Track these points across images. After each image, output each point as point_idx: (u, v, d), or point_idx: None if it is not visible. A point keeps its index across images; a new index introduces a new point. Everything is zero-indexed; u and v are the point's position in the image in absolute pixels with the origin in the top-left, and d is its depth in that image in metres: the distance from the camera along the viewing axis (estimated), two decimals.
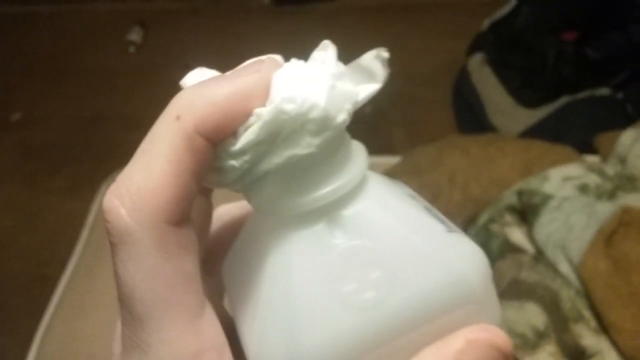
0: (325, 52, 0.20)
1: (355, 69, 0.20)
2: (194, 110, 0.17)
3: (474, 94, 1.47)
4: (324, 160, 0.19)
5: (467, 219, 0.88)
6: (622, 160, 0.87)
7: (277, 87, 0.18)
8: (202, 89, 0.18)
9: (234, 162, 0.18)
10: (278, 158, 0.19)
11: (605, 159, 0.92)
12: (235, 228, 0.23)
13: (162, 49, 1.98)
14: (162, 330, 0.17)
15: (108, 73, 1.92)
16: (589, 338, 0.65)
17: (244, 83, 0.18)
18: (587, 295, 0.69)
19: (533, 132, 1.34)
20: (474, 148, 0.96)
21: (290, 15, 2.03)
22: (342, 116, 0.19)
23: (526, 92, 1.40)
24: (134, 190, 0.17)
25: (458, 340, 0.19)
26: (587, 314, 0.68)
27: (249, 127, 0.18)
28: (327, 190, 0.19)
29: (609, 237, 0.72)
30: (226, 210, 0.24)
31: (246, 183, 0.19)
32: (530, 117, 1.38)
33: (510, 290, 0.70)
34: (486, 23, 1.53)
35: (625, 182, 0.83)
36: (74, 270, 0.95)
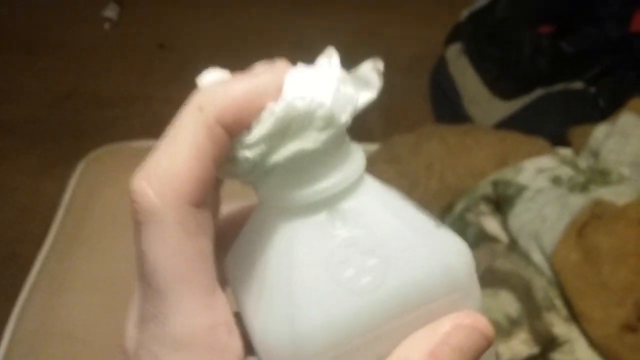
0: (330, 59, 0.21)
1: (353, 77, 0.22)
2: (215, 103, 0.19)
3: (450, 83, 1.49)
4: (326, 156, 0.21)
5: (444, 207, 0.90)
6: (595, 154, 0.89)
7: (289, 86, 0.20)
8: (222, 85, 0.20)
9: (247, 153, 0.20)
10: (287, 151, 0.20)
11: (578, 152, 0.95)
12: (234, 224, 0.25)
13: (137, 27, 1.95)
14: (181, 302, 0.19)
15: (82, 49, 1.89)
16: (560, 326, 0.67)
17: (259, 81, 0.20)
18: (559, 284, 0.71)
19: (508, 123, 1.36)
20: (451, 138, 0.97)
21: None
22: (345, 116, 0.20)
23: (502, 83, 1.42)
24: (160, 173, 0.19)
25: (445, 324, 0.21)
26: (558, 303, 0.70)
27: (262, 122, 0.20)
28: (329, 183, 0.21)
29: (581, 228, 0.74)
30: (227, 208, 0.25)
31: (256, 174, 0.21)
32: (505, 108, 1.41)
33: (484, 278, 0.72)
34: (465, 13, 1.54)
35: (598, 176, 0.85)
36: (50, 250, 0.94)
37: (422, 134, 1.01)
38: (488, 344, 0.21)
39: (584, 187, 0.84)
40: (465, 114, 1.44)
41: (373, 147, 1.04)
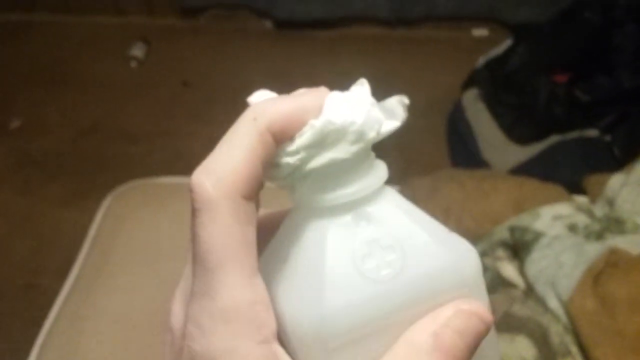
0: (362, 87, 0.25)
1: (381, 106, 0.26)
2: (266, 114, 0.23)
3: (467, 128, 1.52)
4: (355, 167, 0.25)
5: None
6: (610, 203, 0.91)
7: (328, 106, 0.24)
8: (272, 101, 0.24)
9: (289, 159, 0.24)
10: (322, 159, 0.24)
11: (593, 200, 0.97)
12: (266, 226, 0.28)
13: (163, 66, 2.00)
14: (228, 279, 0.22)
15: (108, 85, 1.95)
16: None
17: (303, 100, 0.24)
18: (574, 331, 0.73)
19: (523, 169, 1.38)
20: (469, 182, 1.00)
21: (289, 40, 2.07)
22: (373, 133, 0.24)
23: (518, 129, 1.45)
24: (218, 169, 0.22)
25: (448, 309, 0.24)
26: (574, 349, 0.71)
27: (304, 134, 0.24)
28: (355, 189, 0.25)
29: (597, 276, 0.76)
30: (261, 212, 0.29)
31: (294, 178, 0.25)
32: (521, 153, 1.43)
33: (502, 323, 0.73)
34: (481, 60, 1.58)
35: (613, 224, 0.87)
36: (74, 283, 0.97)
37: (439, 177, 1.04)
38: (487, 328, 0.24)
39: (599, 236, 0.85)
40: (482, 158, 1.47)
41: (391, 187, 1.06)
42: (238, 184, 0.22)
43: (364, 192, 0.25)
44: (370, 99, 0.25)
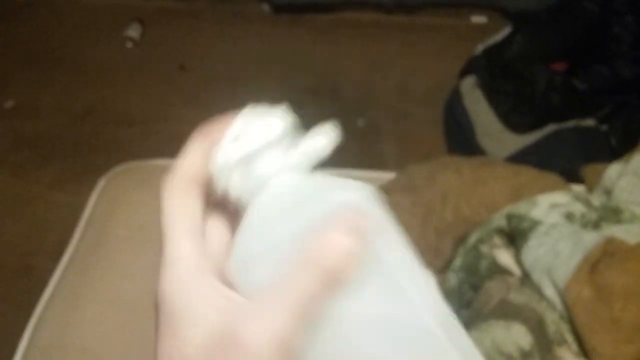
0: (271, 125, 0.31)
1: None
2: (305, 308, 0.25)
3: (464, 115, 1.52)
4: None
5: (458, 238, 0.91)
6: (608, 193, 0.91)
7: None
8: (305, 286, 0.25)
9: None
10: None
11: (590, 189, 0.97)
12: None
13: (159, 48, 1.99)
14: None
15: (103, 67, 1.93)
16: None
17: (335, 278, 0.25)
18: (570, 320, 0.73)
19: (519, 157, 1.38)
20: (466, 169, 0.99)
21: (287, 24, 2.06)
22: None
23: (515, 117, 1.45)
24: None
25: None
26: (569, 337, 0.71)
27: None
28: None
29: (593, 265, 0.76)
30: None
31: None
32: (517, 142, 1.43)
33: (498, 310, 0.73)
34: (480, 48, 1.57)
35: (610, 214, 0.87)
36: (68, 264, 0.96)
37: (437, 164, 1.03)
38: None
39: (596, 225, 0.85)
40: (478, 146, 1.46)
41: (387, 175, 1.05)
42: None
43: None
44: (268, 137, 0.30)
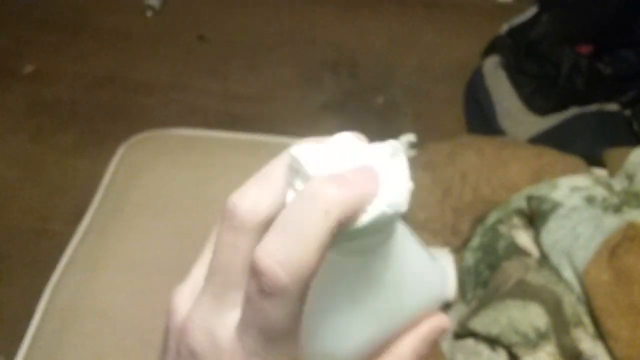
0: (400, 160, 0.26)
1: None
2: (337, 209, 0.24)
3: (486, 95, 1.50)
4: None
5: (476, 218, 0.91)
6: (630, 178, 0.90)
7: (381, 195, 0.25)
8: (339, 189, 0.24)
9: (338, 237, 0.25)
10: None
11: (612, 173, 0.96)
12: None
13: (179, 17, 1.98)
14: (285, 346, 0.25)
15: (123, 35, 1.93)
16: (586, 343, 0.68)
17: (366, 190, 0.25)
18: (588, 302, 0.72)
19: (540, 139, 1.37)
20: (487, 149, 0.98)
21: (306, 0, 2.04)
22: (404, 208, 0.26)
23: (537, 99, 1.43)
24: (290, 260, 0.24)
25: (426, 325, 0.30)
26: (586, 320, 0.71)
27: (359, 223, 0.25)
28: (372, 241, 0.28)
29: (613, 249, 0.75)
30: None
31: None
32: (539, 124, 1.41)
33: (516, 290, 0.73)
34: (505, 27, 1.55)
35: (632, 198, 0.86)
36: (87, 229, 0.97)
37: (458, 143, 1.02)
38: (445, 333, 0.31)
39: (617, 209, 0.84)
40: (498, 127, 1.45)
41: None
42: (310, 277, 0.24)
43: (376, 245, 0.27)
44: (407, 172, 0.26)
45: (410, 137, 0.27)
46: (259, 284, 0.24)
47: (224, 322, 0.26)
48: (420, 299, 0.29)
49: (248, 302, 0.25)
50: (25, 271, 1.38)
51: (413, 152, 0.27)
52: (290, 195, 0.26)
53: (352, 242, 0.26)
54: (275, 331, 0.25)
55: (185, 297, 0.28)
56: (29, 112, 1.72)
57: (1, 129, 1.68)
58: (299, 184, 0.26)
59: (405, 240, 0.29)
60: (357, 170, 0.25)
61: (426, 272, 0.30)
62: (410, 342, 0.30)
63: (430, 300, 0.30)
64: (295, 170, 0.26)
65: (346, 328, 0.27)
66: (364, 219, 0.25)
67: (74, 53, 1.87)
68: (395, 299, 0.28)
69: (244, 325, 0.25)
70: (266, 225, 0.26)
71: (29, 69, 1.82)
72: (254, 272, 0.24)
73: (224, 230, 0.26)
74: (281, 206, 0.26)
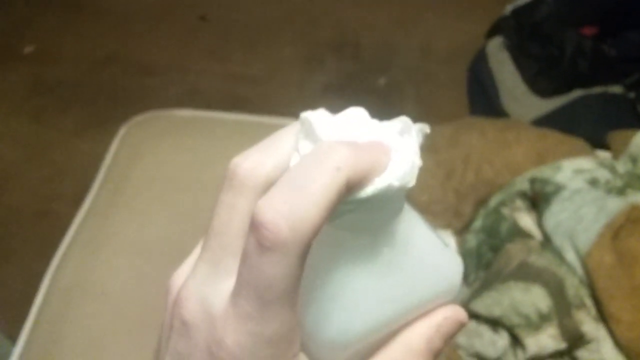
0: (410, 136, 0.25)
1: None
2: (349, 168, 0.23)
3: (489, 77, 1.49)
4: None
5: (479, 200, 0.91)
6: (634, 160, 0.89)
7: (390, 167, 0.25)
8: (353, 152, 0.24)
9: (341, 206, 0.24)
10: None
11: (616, 156, 0.95)
12: None
13: None
14: (281, 313, 0.24)
15: (124, 15, 1.91)
16: (588, 325, 0.68)
17: (378, 159, 0.24)
18: (590, 285, 0.72)
19: (544, 121, 1.36)
20: (491, 131, 0.98)
21: None
22: (412, 182, 0.25)
23: (541, 81, 1.42)
24: (296, 214, 0.23)
25: (439, 315, 0.28)
26: (588, 302, 0.71)
27: (365, 191, 0.24)
28: (382, 220, 0.27)
29: (616, 231, 0.75)
30: None
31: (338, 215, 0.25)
32: (542, 106, 1.40)
33: (518, 271, 0.73)
34: (509, 8, 1.53)
35: (635, 181, 0.85)
36: (88, 210, 0.97)
37: (461, 125, 1.02)
38: (463, 327, 0.29)
39: (621, 191, 0.84)
40: (501, 109, 1.44)
41: None
42: (311, 233, 0.23)
43: (386, 222, 0.26)
44: (417, 150, 0.25)
45: (424, 128, 0.25)
46: (258, 238, 0.23)
47: (218, 289, 0.25)
48: (432, 287, 0.28)
49: (245, 261, 0.23)
50: (27, 252, 1.38)
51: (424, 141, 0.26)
52: (295, 159, 0.25)
53: (359, 216, 0.25)
54: (272, 292, 0.23)
55: (182, 276, 0.27)
56: (30, 94, 1.71)
57: (2, 109, 1.67)
58: (306, 147, 0.25)
59: (416, 224, 0.28)
60: (370, 143, 0.25)
61: (440, 260, 0.29)
62: (422, 330, 0.28)
63: (444, 290, 0.28)
64: (305, 133, 0.25)
65: (350, 312, 0.26)
66: (371, 188, 0.24)
67: (74, 33, 1.85)
68: (405, 284, 0.27)
69: (239, 286, 0.24)
70: (267, 187, 0.24)
71: (29, 49, 1.81)
72: (254, 226, 0.23)
73: (223, 190, 0.25)
74: (284, 170, 0.25)
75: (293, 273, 0.23)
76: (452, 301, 0.29)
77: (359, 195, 0.24)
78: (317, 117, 0.25)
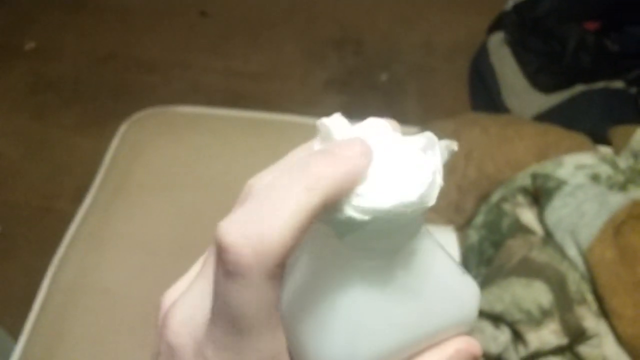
0: (434, 153, 0.23)
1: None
2: (321, 187, 0.21)
3: (490, 72, 1.49)
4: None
5: (480, 195, 0.90)
6: (636, 155, 0.89)
7: (394, 181, 0.22)
8: (324, 165, 0.21)
9: (355, 215, 0.22)
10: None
11: (618, 151, 0.95)
12: None
13: None
14: (258, 341, 0.22)
15: (125, 11, 1.91)
16: (590, 320, 0.68)
17: (354, 166, 0.22)
18: (592, 280, 0.72)
19: (545, 117, 1.36)
20: (492, 127, 0.98)
21: None
22: (432, 202, 0.23)
23: (543, 76, 1.42)
24: (260, 236, 0.20)
25: (451, 347, 0.26)
26: (590, 297, 0.71)
27: (355, 204, 0.22)
28: (395, 243, 0.25)
29: (618, 227, 0.75)
30: None
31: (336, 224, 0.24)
32: (543, 101, 1.40)
33: (520, 267, 0.73)
34: (510, 3, 1.53)
35: (637, 176, 0.85)
36: (90, 206, 0.97)
37: (462, 121, 1.02)
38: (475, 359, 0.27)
39: (622, 187, 0.84)
40: (503, 104, 1.44)
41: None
42: (279, 257, 0.21)
43: (400, 246, 0.25)
44: (440, 168, 0.23)
45: (451, 145, 0.24)
46: (221, 263, 0.21)
47: (208, 311, 0.23)
48: (447, 316, 0.26)
49: (214, 287, 0.22)
50: (29, 249, 1.39)
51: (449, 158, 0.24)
52: None
53: (373, 235, 0.23)
54: (244, 321, 0.21)
55: (174, 295, 0.26)
56: (31, 90, 1.71)
57: (3, 106, 1.68)
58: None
59: (434, 248, 0.26)
60: (347, 143, 0.22)
61: (457, 288, 0.27)
62: None
63: (459, 320, 0.27)
64: (322, 140, 0.24)
65: (358, 336, 0.25)
66: (386, 205, 0.22)
67: (75, 30, 1.85)
68: (418, 311, 0.25)
69: (213, 315, 0.22)
70: None
71: (30, 46, 1.81)
72: (217, 250, 0.21)
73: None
74: None
75: (264, 298, 0.21)
76: (467, 332, 0.27)
77: (367, 215, 0.22)
78: (335, 122, 0.24)
